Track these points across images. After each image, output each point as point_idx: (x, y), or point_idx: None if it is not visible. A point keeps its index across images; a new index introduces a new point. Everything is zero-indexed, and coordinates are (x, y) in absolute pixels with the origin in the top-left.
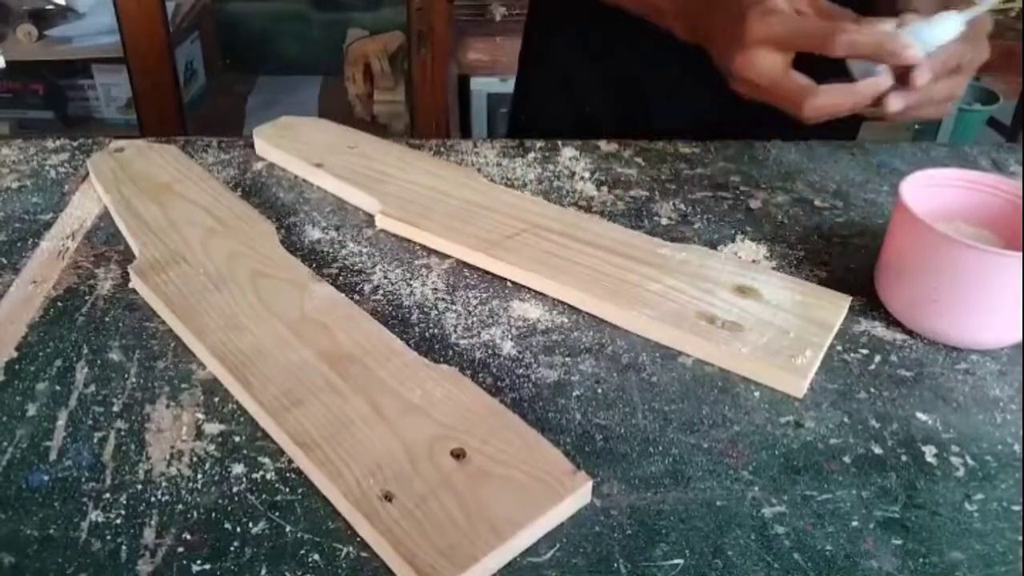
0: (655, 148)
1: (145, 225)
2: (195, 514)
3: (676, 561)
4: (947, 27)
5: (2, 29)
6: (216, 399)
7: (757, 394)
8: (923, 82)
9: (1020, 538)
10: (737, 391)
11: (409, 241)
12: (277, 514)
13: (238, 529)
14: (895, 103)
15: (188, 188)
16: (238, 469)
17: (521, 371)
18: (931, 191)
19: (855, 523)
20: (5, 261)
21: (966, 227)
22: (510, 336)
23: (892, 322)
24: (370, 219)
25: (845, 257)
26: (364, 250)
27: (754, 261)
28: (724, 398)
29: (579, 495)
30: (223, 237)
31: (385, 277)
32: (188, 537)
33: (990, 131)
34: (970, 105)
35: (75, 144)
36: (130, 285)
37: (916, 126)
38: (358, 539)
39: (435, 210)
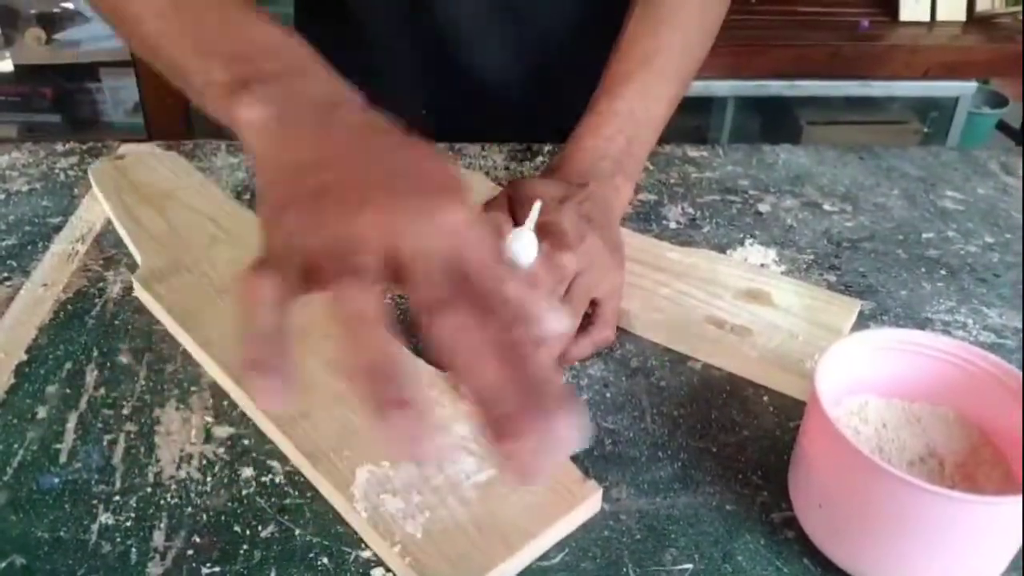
0: (663, 152)
1: (147, 234)
2: (204, 517)
3: (685, 566)
4: (515, 250)
5: (11, 33)
6: (225, 403)
7: (766, 398)
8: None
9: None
10: (746, 395)
11: None
12: (286, 517)
13: (247, 532)
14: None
15: (190, 195)
16: (247, 472)
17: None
18: (892, 356)
19: None
20: (15, 264)
21: (951, 414)
22: None
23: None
24: None
25: (854, 261)
26: None
27: (763, 265)
28: (733, 402)
29: (589, 504)
30: (226, 245)
31: None
32: (197, 540)
33: (999, 135)
34: (979, 109)
35: (84, 148)
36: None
37: (926, 130)
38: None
39: None
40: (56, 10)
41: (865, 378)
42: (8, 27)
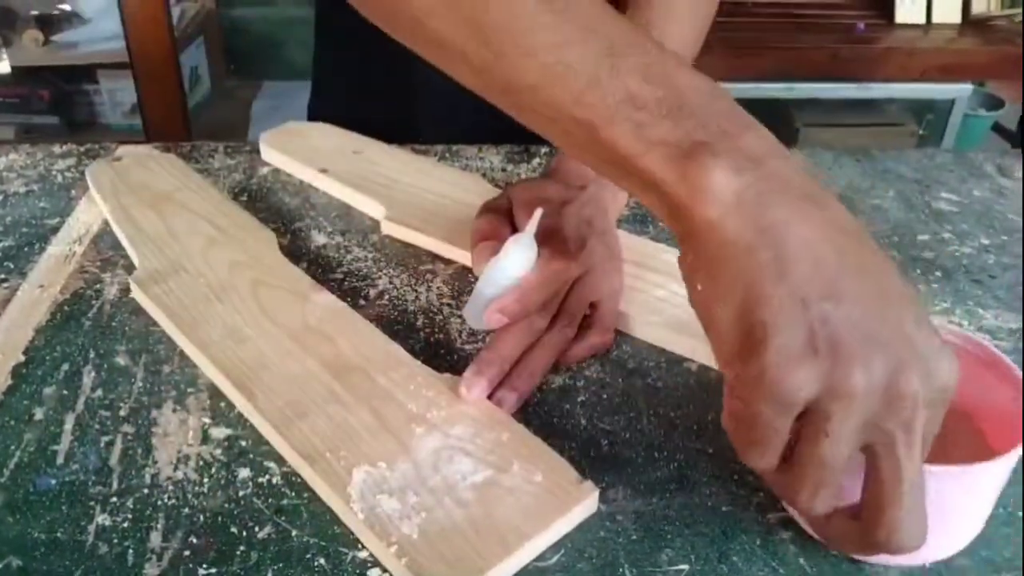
0: None
1: (144, 235)
2: (201, 518)
3: (682, 567)
4: (515, 258)
5: (8, 35)
6: (222, 403)
7: None
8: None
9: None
10: None
11: (414, 246)
12: (283, 518)
13: (244, 533)
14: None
15: (188, 197)
16: (244, 473)
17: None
18: None
19: None
20: (12, 266)
21: None
22: None
23: None
24: (375, 224)
25: None
26: (369, 255)
27: None
28: None
29: (586, 505)
30: (223, 246)
31: (390, 282)
32: (194, 541)
33: (996, 137)
34: (975, 111)
35: (82, 149)
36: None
37: (922, 132)
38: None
39: (440, 215)
40: (54, 12)
41: None
42: (6, 28)
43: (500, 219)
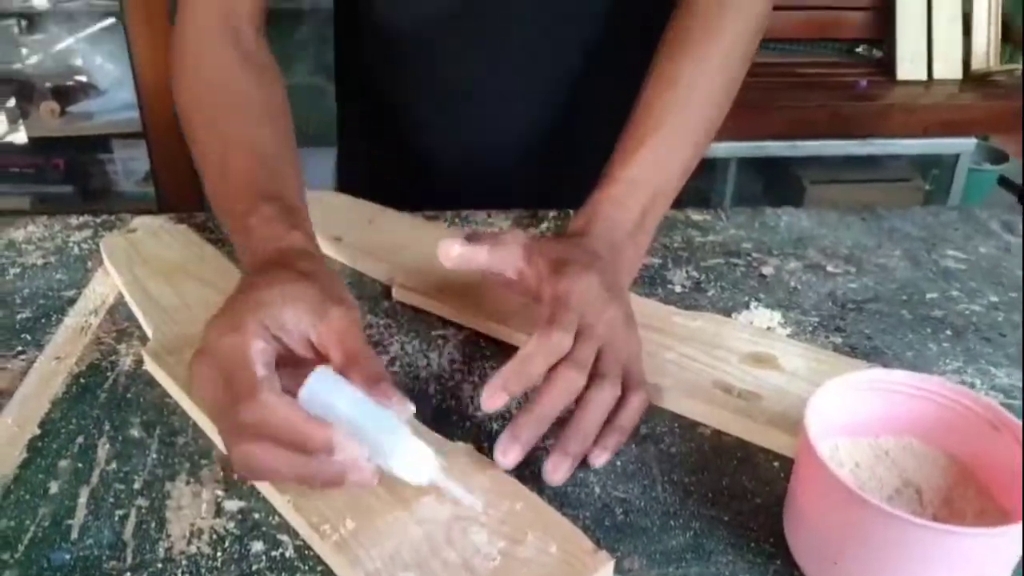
0: (667, 216)
1: (158, 307)
2: None
3: None
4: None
5: (26, 106)
6: (235, 475)
7: (776, 464)
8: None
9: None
10: (757, 461)
11: (426, 312)
12: None
13: None
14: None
15: (200, 268)
16: (257, 547)
17: (541, 441)
18: (880, 396)
19: None
20: (30, 338)
21: (919, 445)
22: None
23: None
24: (387, 291)
25: (859, 323)
26: (381, 322)
27: (769, 328)
28: (744, 469)
29: (601, 575)
30: None
31: (402, 349)
32: None
33: (1001, 190)
34: (980, 164)
35: (98, 221)
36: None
37: (928, 187)
38: None
39: (451, 281)
40: (70, 83)
41: (834, 422)
42: (23, 100)
43: (501, 249)
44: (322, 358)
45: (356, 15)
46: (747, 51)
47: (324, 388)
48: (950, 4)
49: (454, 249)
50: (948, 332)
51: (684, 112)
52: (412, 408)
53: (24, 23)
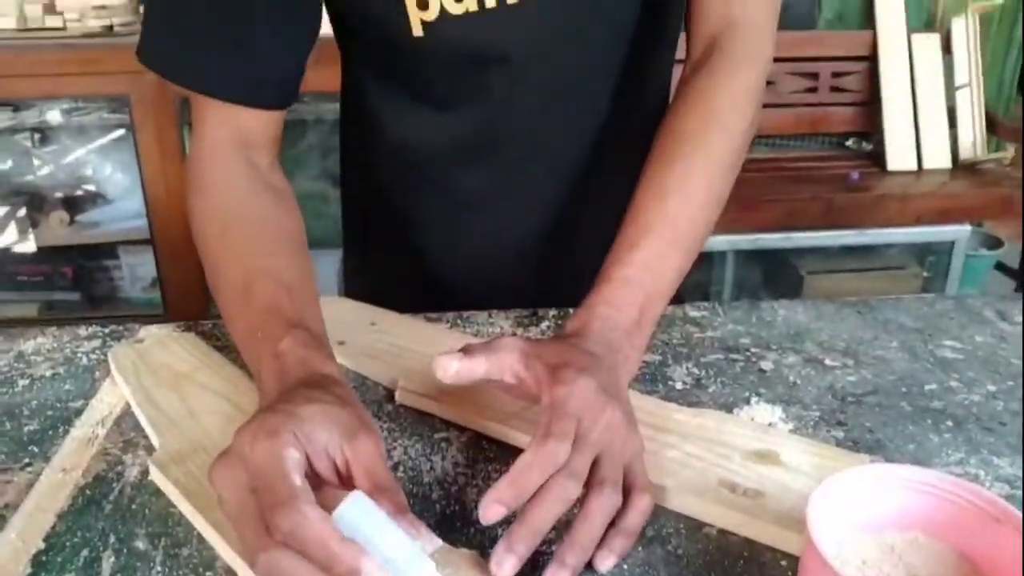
0: (664, 312)
1: (165, 416)
2: None
3: None
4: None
5: (36, 216)
6: None
7: (784, 563)
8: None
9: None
10: (764, 561)
11: (429, 415)
12: None
13: None
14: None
15: (208, 377)
16: None
17: (543, 547)
18: (884, 491)
19: None
20: (37, 449)
21: (925, 540)
22: None
23: None
24: (390, 394)
25: (860, 416)
26: (384, 425)
27: (770, 424)
28: (751, 569)
29: None
30: (242, 424)
31: (405, 453)
32: None
33: (998, 275)
34: (976, 250)
35: (106, 331)
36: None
37: (926, 274)
38: None
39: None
40: (80, 192)
41: (838, 519)
42: (34, 210)
43: (498, 356)
44: (341, 483)
45: (363, 130)
46: (736, 158)
47: (360, 511)
48: (934, 98)
49: (451, 366)
50: (949, 423)
51: (674, 221)
52: (439, 542)
53: (38, 136)
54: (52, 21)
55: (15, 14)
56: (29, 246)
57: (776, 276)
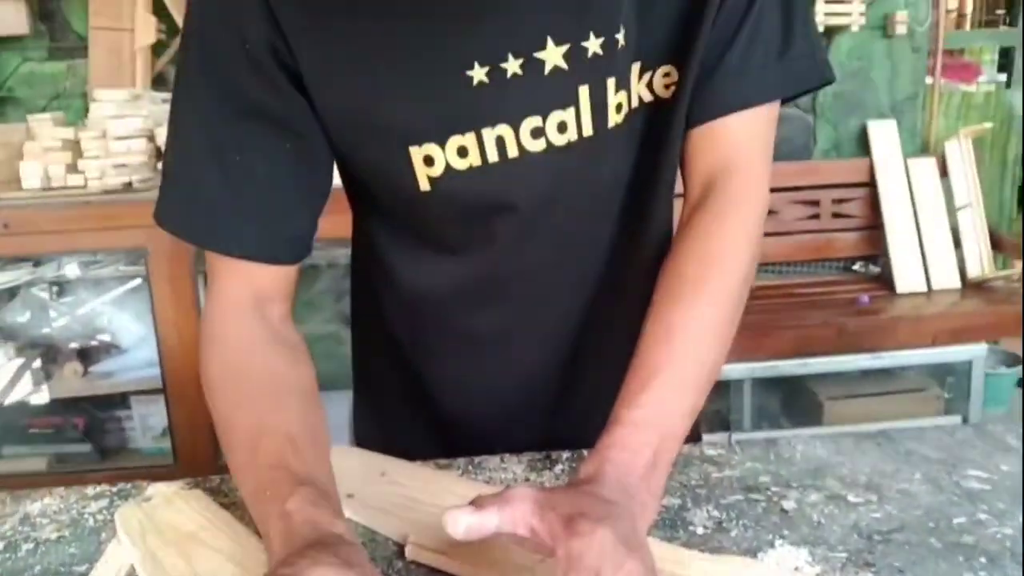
0: (681, 452)
1: None
2: None
3: None
4: None
5: (51, 368)
6: None
7: None
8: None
9: None
10: None
11: (440, 572)
12: None
13: None
14: None
15: (213, 536)
16: None
17: None
18: None
19: None
20: None
21: None
22: None
23: None
24: (400, 549)
25: (889, 556)
26: None
27: (796, 568)
28: None
29: None
30: None
31: None
32: None
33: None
34: (995, 369)
35: (114, 490)
36: None
37: (947, 395)
38: None
39: None
40: (94, 343)
41: None
42: (49, 362)
43: (510, 508)
44: None
45: (373, 276)
46: (737, 297)
47: None
48: (936, 220)
49: (461, 522)
50: (983, 559)
51: (681, 362)
52: None
53: (56, 289)
54: (74, 180)
55: (40, 174)
56: (43, 397)
57: (795, 403)
